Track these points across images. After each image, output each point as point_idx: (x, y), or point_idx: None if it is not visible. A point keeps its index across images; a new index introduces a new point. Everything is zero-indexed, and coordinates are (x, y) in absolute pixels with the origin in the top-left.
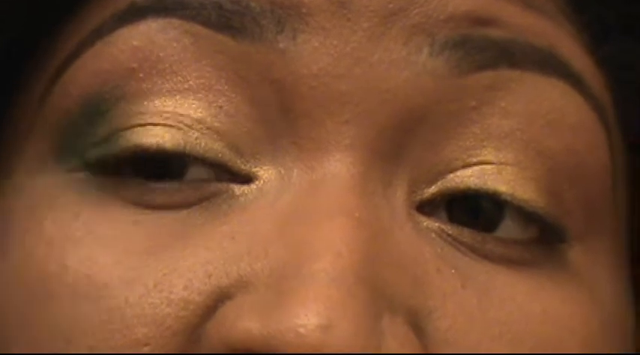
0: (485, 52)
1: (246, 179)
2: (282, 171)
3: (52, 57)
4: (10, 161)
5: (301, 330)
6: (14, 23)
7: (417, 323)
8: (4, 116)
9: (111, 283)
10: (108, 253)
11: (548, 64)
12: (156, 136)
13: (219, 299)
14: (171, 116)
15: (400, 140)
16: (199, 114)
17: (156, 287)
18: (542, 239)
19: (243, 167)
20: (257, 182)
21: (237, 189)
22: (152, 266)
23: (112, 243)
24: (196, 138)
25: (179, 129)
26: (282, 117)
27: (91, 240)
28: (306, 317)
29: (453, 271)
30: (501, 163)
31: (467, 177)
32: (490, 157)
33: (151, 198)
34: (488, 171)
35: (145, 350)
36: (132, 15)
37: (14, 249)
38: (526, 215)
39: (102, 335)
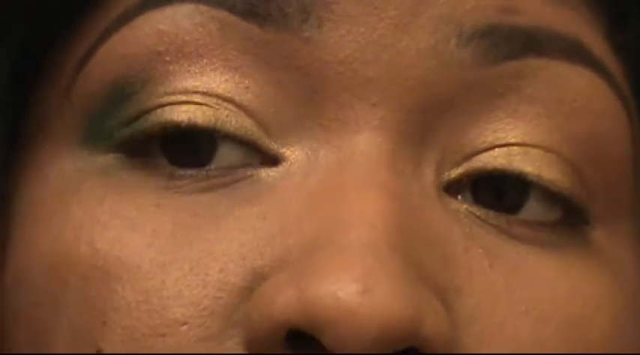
0: (512, 41)
1: (274, 160)
2: (309, 152)
3: (77, 45)
4: (37, 149)
5: (340, 294)
6: (38, 12)
7: (445, 299)
8: (27, 105)
9: (143, 265)
10: (136, 236)
11: (574, 52)
12: (187, 112)
13: (255, 280)
14: (200, 95)
15: (427, 123)
16: (228, 94)
17: (192, 271)
18: (566, 220)
19: (271, 147)
20: (284, 163)
21: (264, 172)
22: (185, 250)
23: (139, 226)
24: (227, 116)
25: (209, 106)
26: (308, 99)
27: (117, 223)
28: (344, 283)
29: (480, 250)
30: (527, 145)
31: (493, 158)
32: (516, 139)
33: (177, 182)
34: (514, 152)
35: (183, 329)
36: (158, 0)
37: (42, 234)
38: (551, 195)
39: (139, 314)
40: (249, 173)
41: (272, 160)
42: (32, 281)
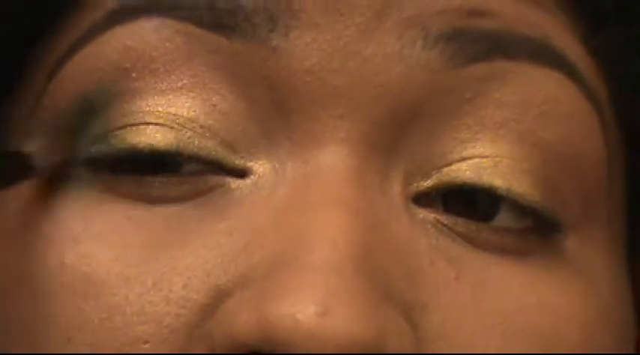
0: (478, 43)
1: (241, 173)
2: (277, 165)
3: (47, 56)
4: None
5: (298, 316)
6: (12, 22)
7: (411, 317)
8: (3, 114)
9: (109, 281)
10: (105, 250)
11: (542, 54)
12: (148, 136)
13: (218, 297)
14: (164, 115)
15: (395, 133)
16: (192, 113)
17: (155, 286)
18: (538, 228)
19: (237, 162)
20: (252, 176)
21: (233, 182)
22: (151, 265)
23: (109, 239)
24: (189, 137)
25: (171, 128)
26: (276, 112)
27: (88, 237)
28: (303, 304)
29: (447, 262)
30: (497, 156)
31: (462, 171)
32: (485, 150)
33: (146, 192)
34: (483, 165)
35: (145, 347)
36: (124, 15)
37: (13, 247)
38: (522, 208)
39: (102, 333)
40: (219, 181)
41: (239, 173)
42: (1, 294)
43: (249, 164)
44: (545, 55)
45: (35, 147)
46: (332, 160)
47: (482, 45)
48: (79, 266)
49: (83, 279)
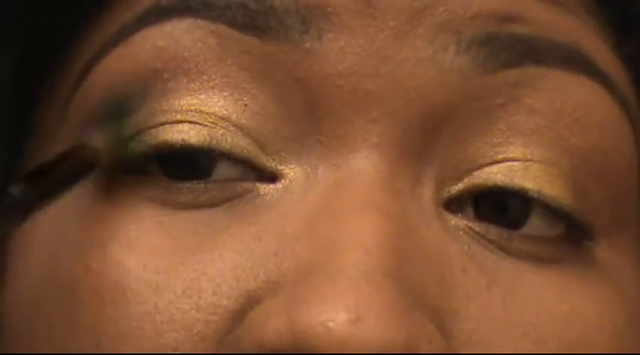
0: (511, 49)
1: (272, 177)
2: (308, 169)
3: (76, 58)
4: (37, 162)
5: (330, 324)
6: (37, 25)
7: (442, 324)
8: (28, 119)
9: (138, 288)
10: (133, 256)
11: (574, 60)
12: (181, 132)
13: (247, 303)
14: (197, 114)
15: (427, 138)
16: (225, 112)
17: (185, 293)
18: (569, 236)
19: (268, 164)
20: (282, 180)
21: (263, 188)
22: (180, 271)
23: (138, 246)
24: (222, 135)
25: (205, 125)
26: (308, 115)
27: (116, 243)
28: (335, 312)
29: (478, 270)
30: (528, 160)
31: (494, 174)
32: (517, 154)
33: (175, 197)
34: (515, 168)
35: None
36: (156, 15)
37: (40, 252)
38: (553, 211)
39: (132, 340)
40: (248, 187)
41: (270, 177)
42: (27, 300)
43: (280, 167)
44: (576, 62)
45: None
46: (364, 165)
47: (514, 51)
48: (107, 272)
49: (111, 286)
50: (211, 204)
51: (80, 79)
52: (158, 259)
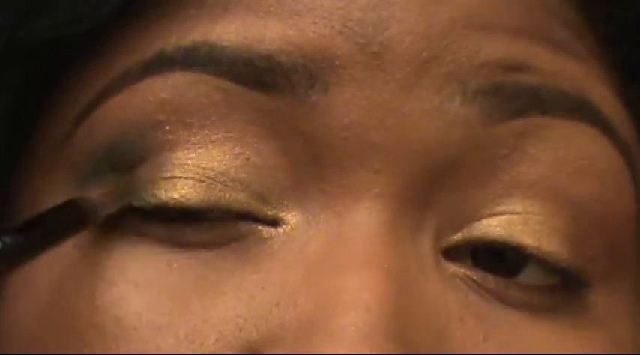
0: (517, 99)
1: (273, 223)
2: (310, 217)
3: (77, 94)
4: (34, 197)
5: None
6: (36, 60)
7: None
8: (24, 151)
9: (141, 328)
10: (139, 295)
11: (578, 109)
12: (177, 192)
13: (248, 354)
14: (193, 168)
15: (429, 188)
16: (223, 166)
17: (187, 338)
18: (564, 285)
19: (269, 213)
20: (284, 226)
21: (266, 231)
22: (183, 315)
23: (145, 285)
24: (220, 190)
25: (201, 182)
26: (311, 165)
27: (123, 281)
28: None
29: (476, 320)
30: (528, 213)
31: (492, 228)
32: (517, 207)
33: (181, 235)
34: (514, 222)
35: None
36: (160, 65)
37: (42, 285)
38: (550, 266)
39: None
40: (251, 229)
41: (271, 223)
42: (26, 334)
43: (281, 214)
44: (581, 111)
45: (60, 194)
46: (366, 216)
47: (520, 101)
48: (112, 309)
49: (114, 323)
50: (216, 244)
51: (80, 120)
52: (163, 300)
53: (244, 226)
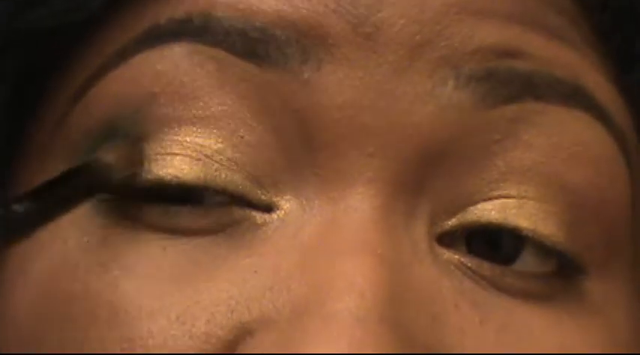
0: (510, 85)
1: (267, 208)
2: (304, 202)
3: (73, 76)
4: (32, 178)
5: None
6: (34, 41)
7: None
8: (23, 132)
9: (132, 311)
10: (131, 280)
11: (572, 96)
12: (175, 168)
13: (240, 335)
14: (191, 146)
15: (423, 172)
16: (219, 145)
17: (178, 320)
18: (561, 272)
19: (263, 197)
20: (278, 212)
21: (259, 217)
22: (175, 298)
23: (138, 270)
24: (216, 170)
25: (198, 160)
26: (304, 147)
27: (117, 266)
28: None
29: (471, 306)
30: (523, 197)
31: (487, 211)
32: (512, 191)
33: (175, 222)
34: (509, 205)
35: None
36: (155, 38)
37: (37, 269)
38: (546, 249)
39: None
40: (245, 214)
41: (265, 208)
42: (22, 318)
43: (275, 199)
44: (575, 97)
45: (56, 170)
46: (359, 201)
47: (514, 86)
48: (105, 293)
49: (106, 307)
50: (210, 231)
51: (77, 98)
52: (155, 284)
53: (238, 212)
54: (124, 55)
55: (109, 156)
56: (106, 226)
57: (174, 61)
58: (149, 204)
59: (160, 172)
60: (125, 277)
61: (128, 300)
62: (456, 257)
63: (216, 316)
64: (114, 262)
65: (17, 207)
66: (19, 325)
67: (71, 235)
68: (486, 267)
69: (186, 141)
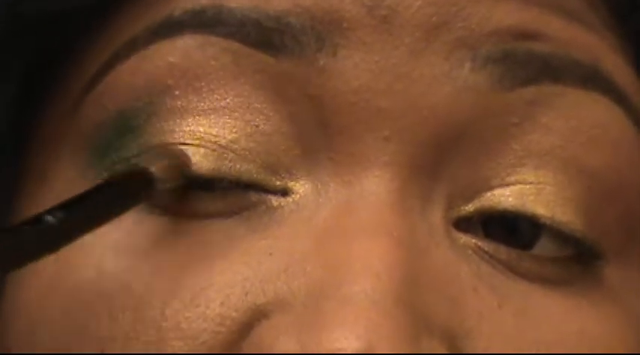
0: (528, 67)
1: (282, 192)
2: (319, 186)
3: (85, 66)
4: (44, 167)
5: (342, 353)
6: (42, 28)
7: (454, 344)
8: (34, 122)
9: (146, 294)
10: (145, 263)
11: (591, 78)
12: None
13: (255, 317)
14: (205, 136)
15: (439, 156)
16: (234, 135)
17: (192, 302)
18: (579, 257)
19: (278, 183)
20: (294, 195)
21: (275, 200)
22: (189, 280)
23: (150, 253)
24: (230, 160)
25: (212, 150)
26: (320, 132)
27: (129, 249)
28: (346, 340)
29: (489, 290)
30: (540, 183)
31: (505, 198)
32: (529, 176)
33: (189, 206)
34: (527, 192)
35: None
36: (168, 29)
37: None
38: (564, 236)
39: (136, 346)
40: (260, 198)
41: (281, 192)
42: (32, 304)
43: (290, 184)
44: (594, 80)
45: (69, 166)
46: (375, 185)
47: (531, 68)
48: (117, 277)
49: (121, 291)
50: (225, 214)
51: (89, 88)
52: (168, 266)
53: (254, 195)
54: (135, 45)
55: (154, 166)
56: None
57: (188, 53)
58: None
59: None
60: (138, 260)
61: (142, 283)
62: (473, 241)
63: (230, 298)
64: (126, 245)
65: (48, 218)
66: (30, 310)
67: None
68: (503, 252)
69: (199, 131)
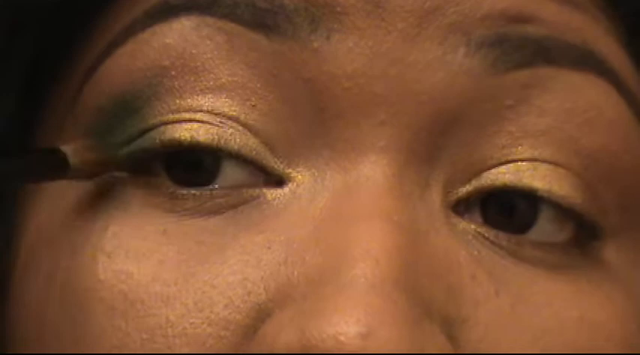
0: (522, 50)
1: (279, 181)
2: (316, 173)
3: (83, 55)
4: None
5: (341, 338)
6: (42, 21)
7: (450, 333)
8: (36, 115)
9: (148, 301)
10: (141, 267)
11: (585, 60)
12: (190, 130)
13: (259, 317)
14: (205, 113)
15: (436, 140)
16: (233, 112)
17: (196, 306)
18: (578, 239)
19: (277, 167)
20: (290, 185)
21: (270, 193)
22: (190, 283)
23: (144, 256)
24: (231, 134)
25: (213, 125)
26: (315, 117)
27: (122, 253)
28: (346, 325)
29: (487, 276)
30: (536, 160)
31: (502, 174)
32: (525, 155)
33: (180, 203)
34: (523, 168)
35: None
36: (164, 13)
37: (45, 258)
38: (563, 211)
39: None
40: (254, 194)
41: (278, 180)
42: (35, 308)
43: (288, 170)
44: (588, 62)
45: (70, 146)
46: (372, 170)
47: (525, 51)
48: (116, 283)
49: (121, 298)
50: (217, 212)
51: (88, 75)
52: (167, 270)
53: (247, 191)
54: (132, 30)
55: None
56: (108, 209)
57: (184, 34)
58: (153, 185)
59: (175, 133)
60: (133, 265)
61: (142, 289)
62: (472, 226)
63: (233, 300)
64: (118, 249)
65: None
66: (33, 314)
67: (72, 219)
68: (503, 237)
69: (199, 109)
